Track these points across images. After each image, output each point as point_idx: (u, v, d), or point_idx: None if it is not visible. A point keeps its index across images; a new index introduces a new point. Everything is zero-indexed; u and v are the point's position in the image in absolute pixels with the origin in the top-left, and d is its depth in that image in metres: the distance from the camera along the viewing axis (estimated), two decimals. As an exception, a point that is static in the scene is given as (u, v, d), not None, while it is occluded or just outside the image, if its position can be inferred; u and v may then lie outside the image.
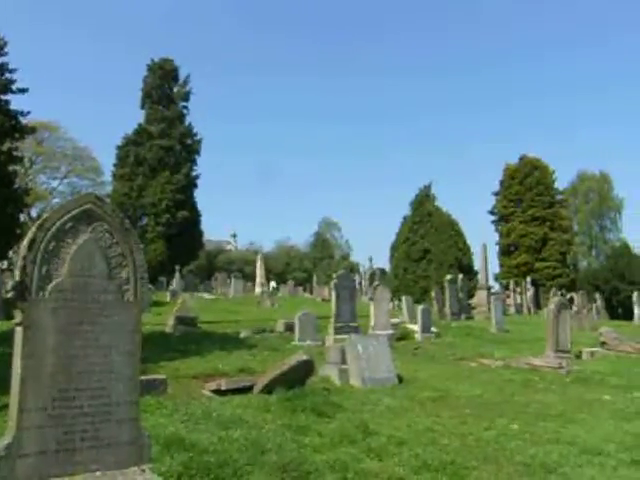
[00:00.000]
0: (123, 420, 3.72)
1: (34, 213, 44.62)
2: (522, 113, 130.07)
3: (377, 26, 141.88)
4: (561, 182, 53.90)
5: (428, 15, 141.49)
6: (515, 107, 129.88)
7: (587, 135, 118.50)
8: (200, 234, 46.77)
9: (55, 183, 53.92)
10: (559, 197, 52.45)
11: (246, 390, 8.47)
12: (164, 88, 47.06)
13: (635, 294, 34.56)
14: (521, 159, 51.62)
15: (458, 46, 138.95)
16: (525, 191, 49.62)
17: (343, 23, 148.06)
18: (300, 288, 49.40)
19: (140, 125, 46.21)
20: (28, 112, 22.41)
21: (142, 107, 47.20)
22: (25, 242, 3.50)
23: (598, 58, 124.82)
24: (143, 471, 3.76)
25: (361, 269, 56.30)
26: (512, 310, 36.42)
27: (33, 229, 3.54)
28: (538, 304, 41.21)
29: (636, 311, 33.54)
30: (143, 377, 6.68)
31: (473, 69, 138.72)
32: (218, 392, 8.40)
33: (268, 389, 8.26)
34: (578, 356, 15.63)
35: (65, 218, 3.61)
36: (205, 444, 5.55)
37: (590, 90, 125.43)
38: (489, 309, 25.73)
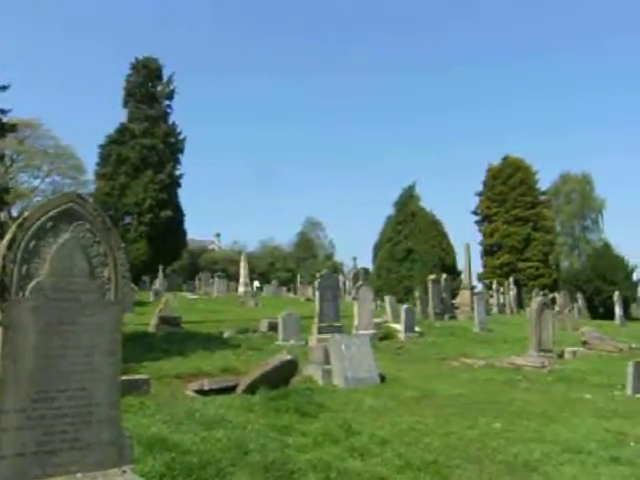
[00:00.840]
0: (104, 421, 3.69)
1: (15, 212, 44.14)
2: (506, 114, 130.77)
3: (361, 25, 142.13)
4: (544, 183, 54.30)
5: (413, 15, 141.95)
6: (498, 108, 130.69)
7: (570, 136, 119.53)
8: (184, 234, 46.56)
9: (37, 182, 53.39)
10: (542, 198, 52.83)
11: (229, 390, 8.45)
12: (148, 87, 46.78)
13: (616, 294, 34.89)
14: (504, 160, 51.90)
15: (443, 47, 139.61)
16: (508, 191, 49.90)
17: (324, 23, 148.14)
18: (284, 288, 49.36)
19: (123, 124, 45.91)
20: (9, 110, 22.16)
21: (125, 106, 46.90)
22: (5, 241, 3.45)
23: (582, 61, 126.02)
24: (124, 472, 3.73)
25: (345, 269, 56.44)
26: (495, 310, 36.63)
27: (13, 228, 3.49)
28: (521, 304, 41.48)
29: (617, 311, 33.86)
30: (125, 377, 6.63)
31: (457, 70, 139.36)
32: (201, 392, 8.38)
33: (251, 389, 8.24)
34: (560, 355, 15.76)
35: (46, 217, 3.57)
36: (188, 444, 5.52)
37: (574, 92, 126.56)
38: (472, 309, 25.86)
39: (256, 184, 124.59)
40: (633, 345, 19.15)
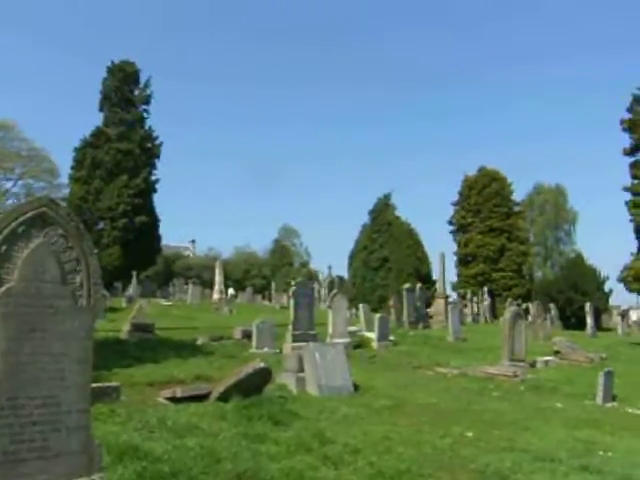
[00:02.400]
0: (73, 429, 3.63)
1: (-14, 215, 43.39)
2: (481, 125, 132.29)
3: (338, 35, 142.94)
4: (519, 194, 54.92)
5: (390, 25, 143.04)
6: (475, 119, 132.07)
7: (544, 148, 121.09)
8: (158, 239, 46.19)
9: (9, 184, 52.54)
10: (516, 208, 53.39)
11: (202, 398, 8.37)
12: (124, 90, 46.41)
13: (588, 305, 35.33)
14: (480, 170, 52.39)
15: (420, 58, 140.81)
16: (483, 202, 50.32)
17: (303, 31, 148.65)
18: (259, 295, 49.18)
19: (98, 127, 45.47)
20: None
21: (101, 109, 46.48)
22: (-25, 246, 3.40)
23: (554, 73, 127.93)
24: (94, 481, 3.68)
25: (320, 277, 56.37)
26: (469, 319, 36.89)
27: (-17, 232, 3.44)
28: (494, 313, 41.80)
29: (588, 321, 34.29)
30: (96, 384, 6.54)
31: (433, 81, 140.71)
32: (173, 400, 8.29)
33: (225, 397, 8.18)
34: (532, 365, 15.91)
35: (18, 221, 3.51)
36: (159, 452, 5.45)
37: (549, 104, 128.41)
38: (446, 318, 26.02)
39: (232, 191, 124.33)
40: (603, 355, 19.42)
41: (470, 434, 7.65)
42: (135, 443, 5.63)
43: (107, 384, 8.01)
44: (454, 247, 52.39)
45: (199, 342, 15.65)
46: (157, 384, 9.50)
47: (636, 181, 28.36)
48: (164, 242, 49.36)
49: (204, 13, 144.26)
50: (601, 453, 7.23)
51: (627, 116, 28.83)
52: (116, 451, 5.24)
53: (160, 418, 6.86)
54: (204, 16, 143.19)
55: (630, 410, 10.99)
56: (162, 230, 46.39)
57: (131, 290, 34.53)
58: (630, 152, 28.83)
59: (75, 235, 3.74)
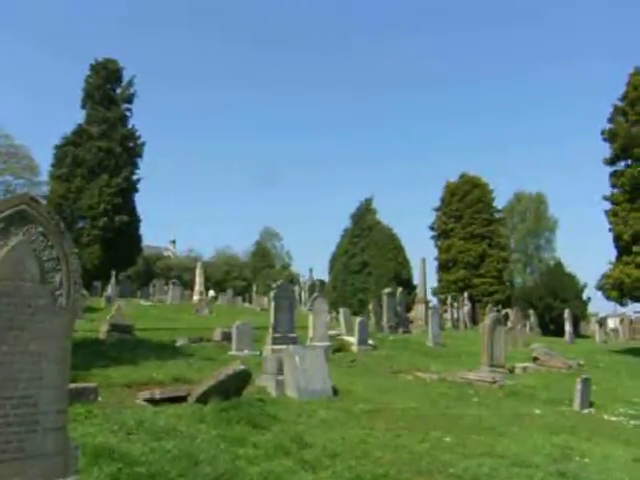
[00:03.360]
0: (50, 430, 3.58)
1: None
2: (464, 132, 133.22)
3: (320, 41, 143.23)
4: (500, 201, 55.33)
5: (374, 30, 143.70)
6: (457, 126, 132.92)
7: (525, 156, 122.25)
8: (138, 239, 45.85)
9: (-12, 181, 51.89)
10: (497, 215, 53.80)
11: (181, 400, 8.31)
12: (107, 89, 46.04)
13: (566, 312, 35.69)
14: (462, 177, 52.72)
15: (403, 65, 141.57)
16: (465, 208, 50.65)
17: (293, 34, 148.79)
18: (239, 297, 49.02)
19: (80, 125, 45.07)
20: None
21: (83, 107, 46.06)
22: (-48, 243, 3.34)
23: (539, 81, 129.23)
24: (69, 483, 3.63)
25: (301, 280, 56.33)
26: (449, 324, 37.07)
27: (-39, 229, 3.38)
28: (474, 319, 42.05)
29: (567, 328, 34.61)
30: (73, 385, 6.48)
31: (417, 87, 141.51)
32: (152, 401, 8.22)
33: (203, 399, 8.13)
34: (511, 371, 16.02)
35: (-4, 219, 3.46)
36: (136, 455, 5.40)
37: (532, 112, 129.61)
38: (426, 323, 26.10)
39: (214, 193, 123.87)
40: (581, 362, 19.62)
41: (448, 439, 7.67)
42: (112, 445, 5.58)
43: (85, 385, 7.93)
44: (435, 252, 52.70)
45: (178, 343, 15.56)
46: (135, 385, 9.41)
47: (615, 190, 28.67)
48: (144, 242, 49.02)
49: (194, 14, 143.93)
50: (578, 459, 7.29)
51: (608, 126, 29.18)
52: (92, 453, 5.18)
53: (138, 420, 6.80)
54: (193, 17, 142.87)
55: (606, 417, 11.10)
56: (143, 230, 46.16)
57: (110, 290, 34.21)
58: (610, 162, 29.15)
59: (55, 233, 3.69)
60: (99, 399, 7.86)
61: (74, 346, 3.86)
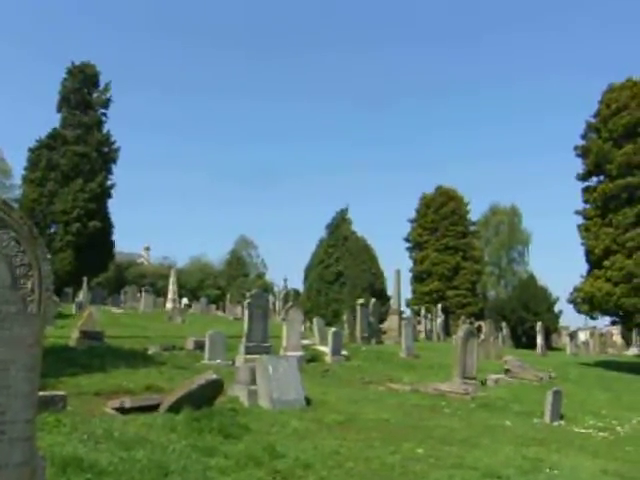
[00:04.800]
0: (17, 440, 3.50)
1: None
2: (440, 144, 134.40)
3: (297, 48, 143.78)
4: (474, 213, 55.83)
5: (353, 43, 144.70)
6: (433, 138, 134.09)
7: (500, 169, 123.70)
8: (111, 245, 45.31)
9: (-41, 183, 51.07)
10: (472, 228, 54.28)
11: (152, 409, 8.22)
12: (83, 93, 45.61)
13: (539, 324, 36.04)
14: (437, 189, 53.13)
15: (376, 77, 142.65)
16: (440, 220, 51.02)
17: (262, 40, 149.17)
18: (213, 306, 48.71)
19: (55, 129, 44.56)
20: None
21: (59, 111, 45.55)
22: None
23: (514, 96, 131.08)
24: (36, 494, 3.55)
25: (275, 289, 56.18)
26: (422, 336, 37.19)
27: None
28: (448, 331, 42.27)
29: (539, 341, 34.95)
30: (41, 393, 6.35)
31: (393, 99, 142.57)
32: (122, 410, 8.11)
33: (175, 408, 8.04)
34: (483, 383, 16.12)
35: (-33, 222, 3.39)
36: (105, 465, 5.32)
37: (507, 126, 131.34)
38: (400, 334, 26.15)
39: (189, 200, 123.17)
40: (552, 374, 19.82)
41: (420, 450, 7.69)
42: (80, 454, 5.49)
43: (53, 393, 7.79)
44: (409, 264, 52.95)
45: (150, 352, 15.40)
46: (105, 394, 9.29)
47: (588, 206, 29.11)
48: (118, 249, 48.48)
49: (170, 21, 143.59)
50: (547, 470, 7.36)
51: (581, 142, 29.66)
52: (60, 463, 5.09)
53: (107, 429, 6.71)
54: (169, 24, 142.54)
55: (576, 429, 11.21)
56: (116, 236, 45.62)
57: (81, 296, 33.77)
58: (583, 177, 29.59)
59: (28, 239, 3.63)
60: (68, 408, 7.74)
61: (44, 353, 3.80)
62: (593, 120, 29.53)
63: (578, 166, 29.67)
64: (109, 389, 9.65)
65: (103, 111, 46.36)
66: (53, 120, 45.74)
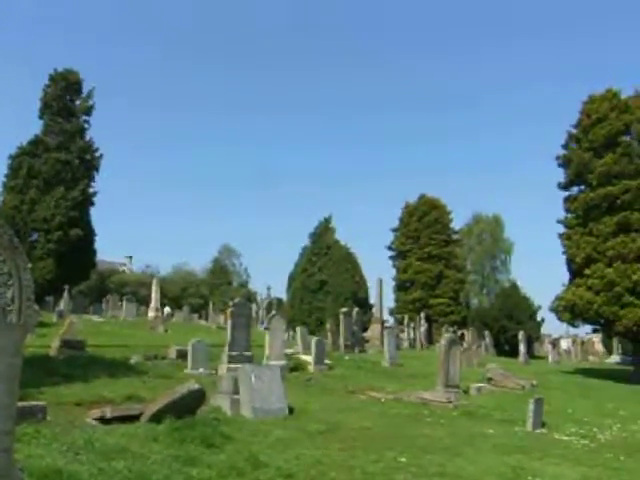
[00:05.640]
0: (-5, 451, 3.47)
1: None
2: (424, 154, 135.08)
3: (279, 58, 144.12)
4: (457, 222, 56.05)
5: (337, 53, 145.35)
6: (417, 148, 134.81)
7: (483, 179, 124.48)
8: (93, 254, 44.87)
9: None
10: (455, 237, 54.50)
11: (133, 419, 8.16)
12: (66, 100, 45.26)
13: (521, 333, 36.25)
14: (420, 198, 53.31)
15: (362, 87, 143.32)
16: (423, 229, 51.15)
17: (237, 54, 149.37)
18: (196, 315, 48.44)
19: (37, 136, 44.17)
20: None
21: (40, 117, 45.17)
22: None
23: (495, 106, 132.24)
24: (13, 506, 3.51)
25: (259, 298, 56.01)
26: (405, 344, 37.22)
27: None
28: (431, 339, 42.35)
29: (521, 349, 35.14)
30: (21, 403, 6.28)
31: (377, 109, 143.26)
32: (103, 420, 8.05)
33: (157, 418, 7.99)
34: (466, 391, 16.15)
35: (-54, 231, 3.36)
36: (85, 476, 5.27)
37: (489, 136, 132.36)
38: (383, 343, 26.17)
39: (172, 209, 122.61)
40: (534, 383, 19.91)
41: (403, 459, 7.68)
42: (59, 466, 5.42)
43: (33, 403, 7.71)
44: (393, 272, 53.03)
45: (132, 361, 15.27)
46: (86, 404, 9.21)
47: (569, 215, 29.41)
48: (99, 257, 48.06)
49: (161, 30, 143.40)
50: (529, 478, 7.39)
51: (562, 152, 29.99)
52: (38, 475, 5.03)
53: (87, 439, 6.64)
54: (164, 34, 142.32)
55: (558, 436, 11.26)
56: (98, 245, 45.21)
57: (62, 305, 33.46)
58: (564, 187, 29.93)
59: (8, 248, 3.60)
60: (48, 418, 7.66)
61: (24, 363, 3.75)
62: (574, 130, 29.89)
63: (560, 176, 30.06)
64: (90, 399, 9.56)
65: (86, 118, 46.04)
66: (34, 127, 45.38)
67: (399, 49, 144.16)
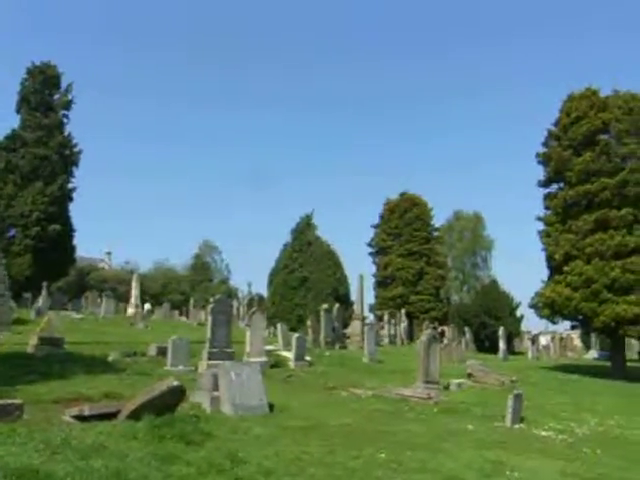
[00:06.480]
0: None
1: None
2: (405, 151, 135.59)
3: (261, 53, 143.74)
4: (438, 219, 56.23)
5: (318, 51, 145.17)
6: (398, 145, 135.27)
7: (464, 176, 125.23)
8: (72, 250, 44.46)
9: None
10: (436, 234, 54.68)
11: (112, 416, 8.08)
12: (44, 94, 44.73)
13: (501, 329, 36.51)
14: (402, 195, 53.39)
15: (343, 84, 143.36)
16: (404, 226, 51.22)
17: (221, 51, 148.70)
18: (176, 311, 48.18)
19: (14, 130, 43.63)
20: None
21: (18, 112, 44.63)
22: None
23: (479, 105, 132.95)
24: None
25: (240, 294, 55.87)
26: (386, 341, 37.35)
27: None
28: (411, 336, 42.49)
29: (501, 345, 35.39)
30: (-4, 401, 6.20)
31: (359, 105, 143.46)
32: (81, 418, 7.95)
33: (135, 415, 7.92)
34: (446, 387, 16.22)
35: None
36: (61, 475, 5.20)
37: (471, 134, 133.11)
38: (363, 339, 26.21)
39: (152, 205, 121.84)
40: (514, 378, 20.07)
41: (383, 455, 7.69)
42: (35, 465, 5.35)
43: (9, 401, 7.61)
44: (373, 269, 53.10)
45: (111, 358, 15.15)
46: (64, 401, 9.12)
47: (548, 212, 29.63)
48: (78, 253, 47.57)
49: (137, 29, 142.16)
50: (508, 473, 7.44)
51: (542, 150, 30.19)
52: (14, 474, 4.96)
53: (64, 438, 6.56)
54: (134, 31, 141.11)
55: (536, 432, 11.35)
56: (77, 241, 44.79)
57: (41, 302, 33.06)
58: (544, 184, 30.14)
59: (-20, 243, 3.52)
60: (24, 416, 7.56)
61: (0, 360, 3.69)
62: (554, 128, 30.10)
63: (540, 173, 30.26)
64: (68, 397, 9.47)
65: (65, 113, 45.54)
66: (12, 121, 44.86)
67: (380, 47, 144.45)
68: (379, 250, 52.97)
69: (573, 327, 35.09)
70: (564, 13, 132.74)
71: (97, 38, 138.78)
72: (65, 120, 45.50)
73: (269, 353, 18.50)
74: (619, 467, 8.68)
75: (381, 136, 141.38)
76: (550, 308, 27.95)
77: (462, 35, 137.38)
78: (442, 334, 36.18)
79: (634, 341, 42.60)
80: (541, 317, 29.82)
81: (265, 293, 51.02)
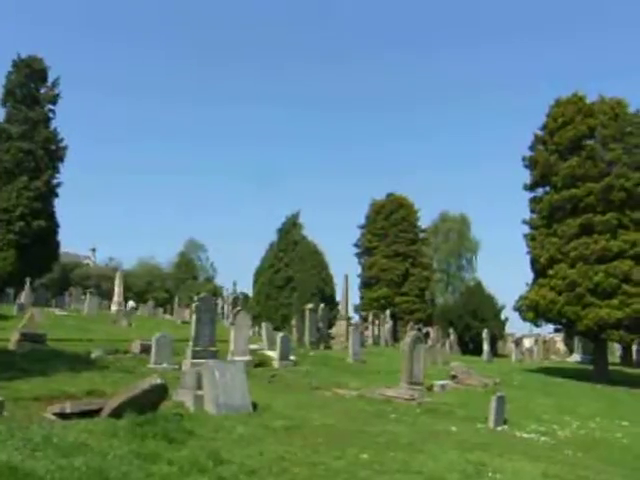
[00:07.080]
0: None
1: None
2: (392, 153, 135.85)
3: (252, 53, 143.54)
4: (424, 221, 56.38)
5: (310, 53, 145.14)
6: (385, 146, 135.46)
7: (450, 178, 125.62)
8: (56, 246, 44.06)
9: None
10: (422, 235, 54.83)
11: (94, 414, 8.02)
12: (30, 87, 44.28)
13: (485, 331, 36.68)
14: (388, 196, 53.49)
15: (331, 85, 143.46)
16: (390, 227, 51.32)
17: (212, 48, 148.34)
18: (161, 309, 47.97)
19: (-1, 123, 43.21)
20: None
21: (3, 105, 44.17)
22: None
23: (465, 106, 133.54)
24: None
25: (224, 293, 55.67)
26: (370, 342, 37.40)
27: None
28: (396, 337, 42.57)
29: (485, 347, 35.55)
30: (-24, 398, 6.12)
31: (347, 107, 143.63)
32: (62, 415, 7.89)
33: (117, 413, 7.86)
34: (430, 389, 16.27)
35: None
36: (41, 473, 5.13)
37: (457, 136, 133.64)
38: (348, 339, 26.24)
39: (138, 202, 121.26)
40: (497, 381, 20.19)
41: (365, 456, 7.68)
42: (15, 463, 5.28)
43: (-11, 398, 7.52)
44: (359, 270, 53.14)
45: (94, 355, 15.05)
46: (45, 399, 9.03)
47: (534, 215, 29.80)
48: (63, 249, 47.20)
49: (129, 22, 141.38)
50: (490, 474, 7.46)
51: (529, 154, 30.35)
52: (-7, 471, 4.89)
53: (45, 435, 6.49)
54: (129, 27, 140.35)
55: (519, 433, 11.42)
56: (61, 237, 44.36)
57: (23, 297, 32.78)
58: (530, 188, 30.30)
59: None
60: (4, 414, 7.48)
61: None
62: (541, 132, 30.28)
63: (526, 177, 30.41)
64: (50, 394, 9.38)
65: (51, 107, 45.13)
66: (-3, 114, 44.33)
67: (367, 46, 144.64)
68: (365, 251, 53.04)
69: (556, 330, 35.36)
70: (555, 17, 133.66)
71: (84, 31, 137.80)
72: (51, 115, 45.09)
73: (253, 352, 18.48)
74: (600, 469, 8.75)
75: (368, 137, 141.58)
76: (534, 311, 28.12)
77: (450, 35, 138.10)
78: (426, 335, 36.26)
79: (616, 345, 42.96)
80: (525, 320, 30.00)
81: (250, 292, 50.93)
